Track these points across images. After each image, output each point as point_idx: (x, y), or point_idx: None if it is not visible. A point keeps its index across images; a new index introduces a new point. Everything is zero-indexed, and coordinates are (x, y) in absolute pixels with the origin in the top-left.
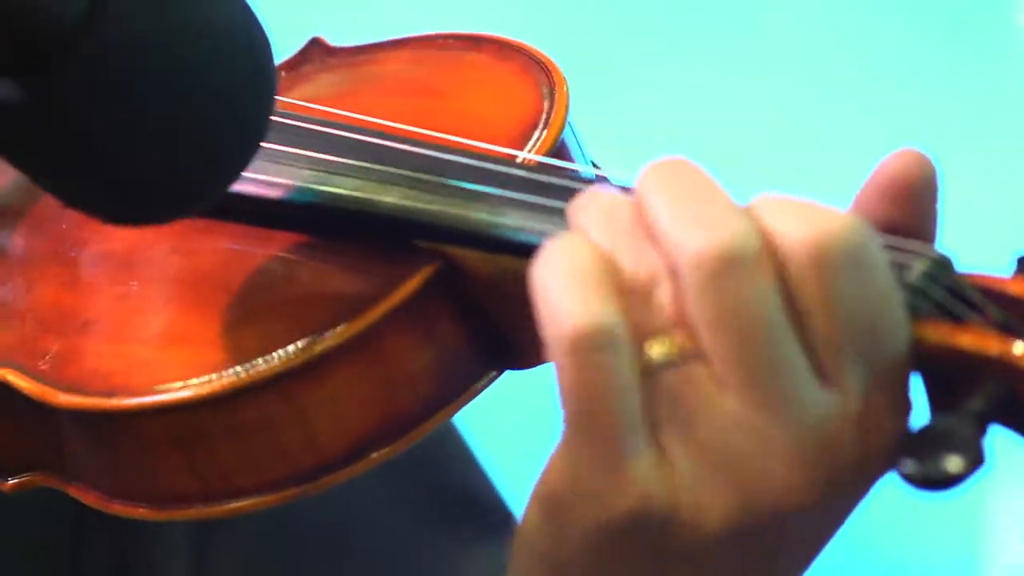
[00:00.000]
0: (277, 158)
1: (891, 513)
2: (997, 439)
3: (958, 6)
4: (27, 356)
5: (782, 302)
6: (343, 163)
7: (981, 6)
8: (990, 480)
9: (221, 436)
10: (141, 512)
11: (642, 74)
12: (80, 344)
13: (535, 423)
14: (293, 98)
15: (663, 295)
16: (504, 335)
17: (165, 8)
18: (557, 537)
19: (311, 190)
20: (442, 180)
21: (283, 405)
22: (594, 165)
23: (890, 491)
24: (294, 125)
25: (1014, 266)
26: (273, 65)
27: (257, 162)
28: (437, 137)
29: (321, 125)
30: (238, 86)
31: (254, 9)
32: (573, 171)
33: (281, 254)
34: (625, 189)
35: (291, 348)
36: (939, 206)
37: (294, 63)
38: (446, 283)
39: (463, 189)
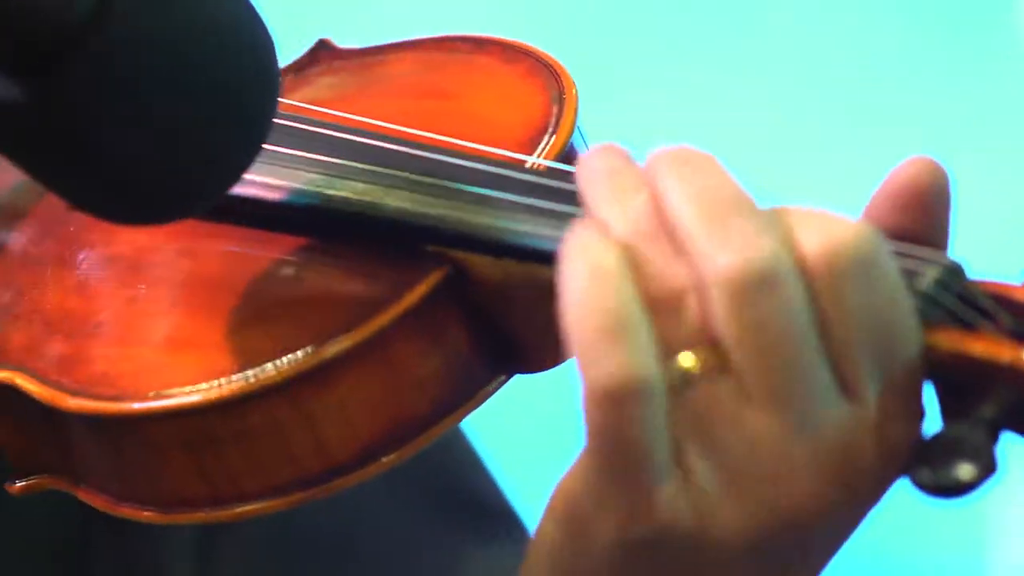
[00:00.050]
0: (284, 161)
1: (897, 514)
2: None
3: (958, 6)
4: (36, 359)
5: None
6: (350, 166)
7: (981, 6)
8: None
9: (230, 440)
10: (148, 515)
11: (642, 74)
12: (89, 347)
13: (543, 427)
14: (300, 100)
15: (690, 307)
16: (512, 339)
17: (170, 5)
18: (576, 552)
19: (318, 193)
20: (449, 184)
21: (292, 410)
22: None
23: (896, 493)
24: (301, 128)
25: None
26: (277, 65)
27: (264, 165)
28: (444, 141)
29: (328, 128)
30: (242, 84)
31: (260, 10)
32: None
33: (289, 258)
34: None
35: (300, 353)
36: (951, 214)
37: (301, 65)
38: (454, 288)
39: (471, 193)
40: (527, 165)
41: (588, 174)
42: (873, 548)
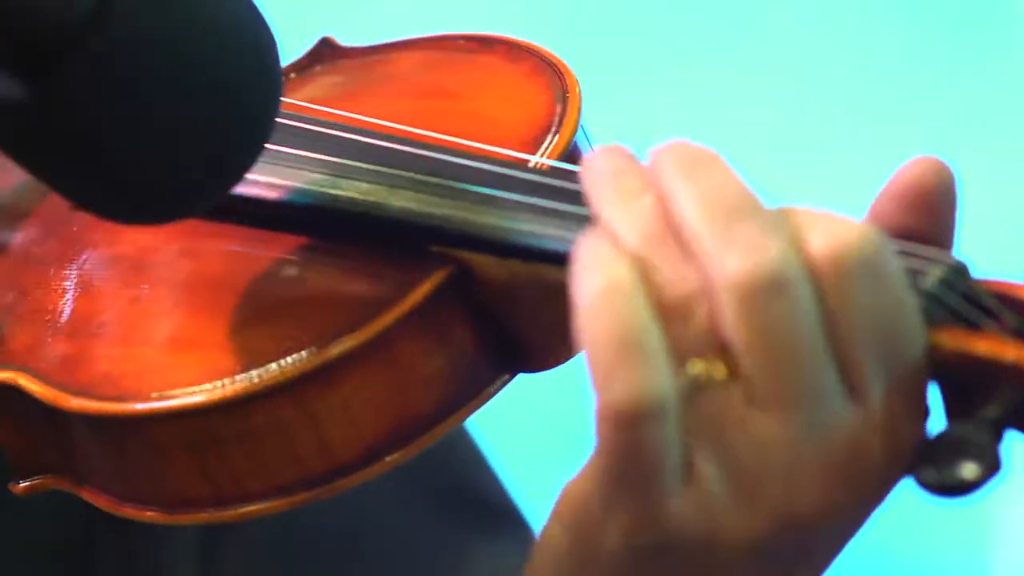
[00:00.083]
0: (288, 161)
1: (900, 514)
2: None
3: (958, 6)
4: (38, 360)
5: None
6: (354, 166)
7: (981, 6)
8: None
9: (233, 441)
10: (151, 515)
11: (642, 74)
12: (91, 348)
13: (548, 426)
14: (303, 99)
15: (699, 312)
16: (517, 339)
17: (170, 5)
18: (582, 556)
19: (322, 193)
20: (453, 184)
21: (296, 410)
22: None
23: (899, 493)
24: (304, 128)
25: None
26: (279, 64)
27: (268, 165)
28: (448, 141)
29: (331, 128)
30: (243, 84)
31: (262, 9)
32: None
33: (292, 258)
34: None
35: (304, 353)
36: (957, 213)
37: (304, 64)
38: (458, 288)
39: (474, 193)
40: (530, 164)
41: (593, 176)
42: (876, 548)
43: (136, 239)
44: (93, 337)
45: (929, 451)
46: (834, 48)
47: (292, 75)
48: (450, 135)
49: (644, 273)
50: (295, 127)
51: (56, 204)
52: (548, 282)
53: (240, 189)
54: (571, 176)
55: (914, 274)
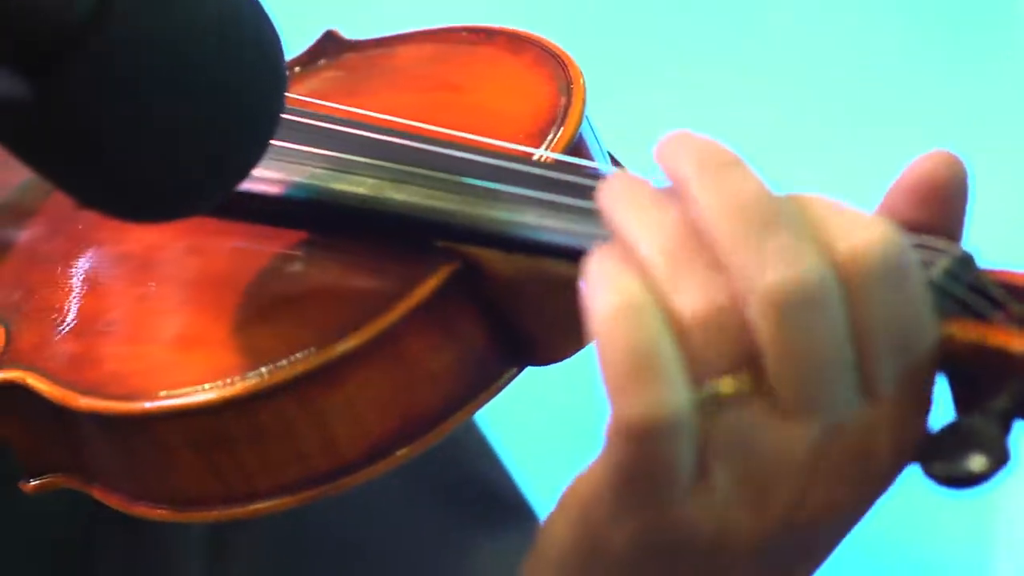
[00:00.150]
0: (293, 157)
1: (904, 506)
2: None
3: (958, 6)
4: (46, 359)
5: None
6: (359, 162)
7: (981, 6)
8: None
9: (241, 438)
10: (162, 513)
11: (642, 74)
12: (99, 346)
13: (556, 419)
14: (307, 93)
15: (724, 325)
16: (524, 333)
17: (170, 5)
18: (587, 555)
19: (328, 189)
20: (458, 179)
21: (303, 407)
22: (613, 160)
23: (903, 485)
24: (309, 124)
25: None
26: (283, 63)
27: (272, 160)
28: (453, 135)
29: (335, 123)
30: (245, 83)
31: (265, 3)
32: (592, 168)
33: (298, 255)
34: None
35: (312, 349)
36: (968, 207)
37: (308, 57)
38: (465, 283)
39: (480, 188)
40: (535, 158)
41: (611, 192)
42: (880, 541)
43: (143, 237)
44: (101, 335)
45: (937, 443)
46: (834, 48)
47: (296, 69)
48: (454, 128)
49: (662, 288)
50: (300, 123)
51: (62, 202)
52: (555, 276)
53: (245, 185)
54: (576, 170)
55: (923, 266)
